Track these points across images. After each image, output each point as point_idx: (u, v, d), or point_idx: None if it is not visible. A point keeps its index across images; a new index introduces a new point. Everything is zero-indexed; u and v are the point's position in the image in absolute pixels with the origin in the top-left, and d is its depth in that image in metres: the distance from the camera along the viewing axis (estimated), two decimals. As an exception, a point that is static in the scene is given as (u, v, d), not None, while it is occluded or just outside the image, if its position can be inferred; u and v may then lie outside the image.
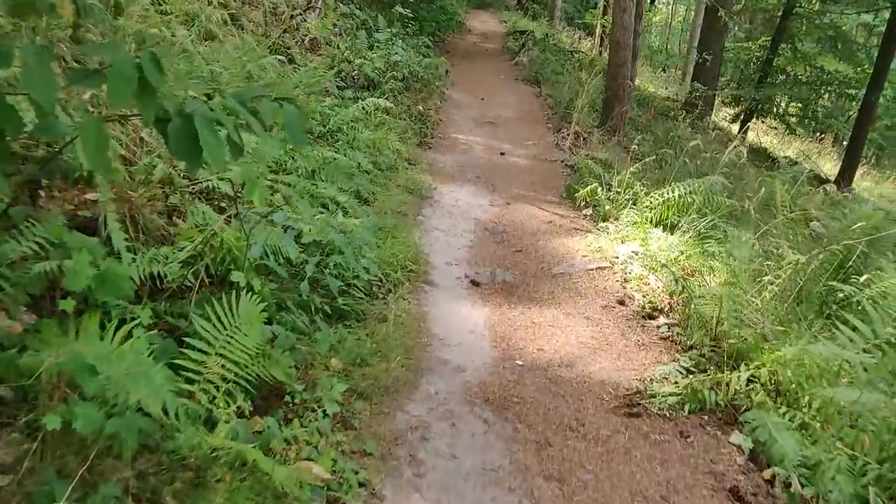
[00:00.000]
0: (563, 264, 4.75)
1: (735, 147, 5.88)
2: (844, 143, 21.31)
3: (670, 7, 32.44)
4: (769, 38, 15.83)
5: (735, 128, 18.28)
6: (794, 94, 17.17)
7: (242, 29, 7.61)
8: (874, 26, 21.58)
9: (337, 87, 7.62)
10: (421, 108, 8.59)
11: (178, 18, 6.14)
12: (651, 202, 5.33)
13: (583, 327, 3.91)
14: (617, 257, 4.85)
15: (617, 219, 5.52)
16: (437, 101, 9.43)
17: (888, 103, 20.93)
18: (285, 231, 3.72)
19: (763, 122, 18.91)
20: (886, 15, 15.93)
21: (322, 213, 4.50)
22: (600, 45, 21.60)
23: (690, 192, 5.13)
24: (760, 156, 15.56)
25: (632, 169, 6.29)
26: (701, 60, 13.23)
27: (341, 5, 10.54)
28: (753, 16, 18.80)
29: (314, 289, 3.50)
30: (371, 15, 11.21)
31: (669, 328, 3.90)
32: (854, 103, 18.04)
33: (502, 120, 9.10)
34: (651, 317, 4.08)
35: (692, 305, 3.82)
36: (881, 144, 21.39)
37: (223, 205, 3.70)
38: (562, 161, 7.49)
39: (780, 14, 15.58)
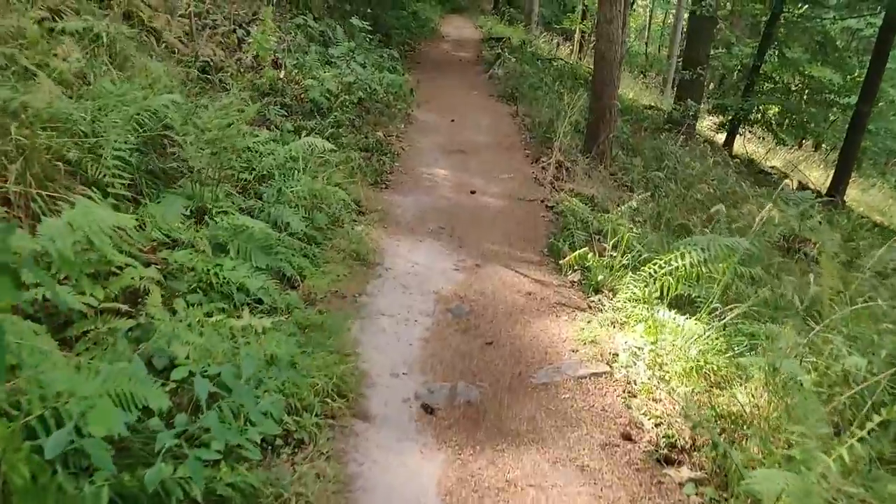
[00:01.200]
0: (547, 368, 3.56)
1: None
2: (832, 151, 20.46)
3: (648, 11, 31.46)
4: (756, 43, 14.80)
5: (720, 137, 17.33)
6: (783, 104, 16.20)
7: (168, 48, 6.35)
8: (857, 30, 20.71)
9: (281, 115, 6.37)
10: (380, 134, 7.36)
11: (74, 37, 4.88)
12: (655, 269, 4.15)
13: (576, 486, 2.73)
14: (616, 354, 3.67)
15: (613, 291, 4.35)
16: (401, 124, 8.20)
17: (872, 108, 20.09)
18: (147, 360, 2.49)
19: (750, 131, 17.99)
20: (877, 21, 15.02)
21: (222, 310, 3.28)
22: (580, 52, 20.59)
23: (705, 261, 3.96)
24: (747, 167, 14.55)
25: (624, 207, 5.14)
26: (688, 77, 12.13)
27: (295, 17, 9.28)
28: (738, 21, 17.80)
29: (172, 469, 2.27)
30: (330, 26, 9.95)
31: (698, 488, 2.72)
32: (837, 110, 17.15)
33: (474, 147, 7.90)
34: (669, 461, 2.91)
35: (729, 461, 2.66)
36: (871, 150, 20.52)
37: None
38: (542, 201, 6.31)
39: (766, 19, 14.58)
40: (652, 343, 3.63)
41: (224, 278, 3.45)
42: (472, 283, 4.49)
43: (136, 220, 3.57)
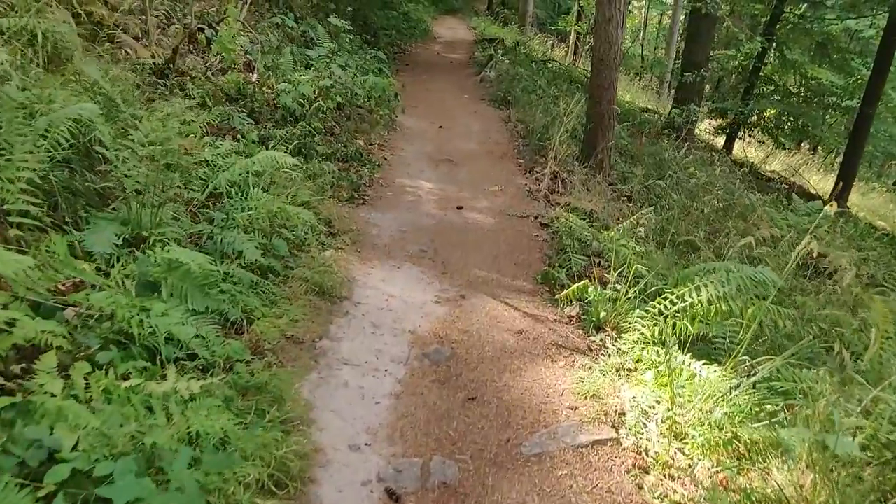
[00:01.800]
0: (541, 432, 2.94)
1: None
2: (830, 154, 19.92)
3: (644, 11, 30.88)
4: (759, 44, 14.22)
5: (719, 141, 16.80)
6: (783, 106, 15.63)
7: (123, 49, 5.70)
8: (857, 31, 20.16)
9: (248, 122, 5.73)
10: (360, 143, 6.73)
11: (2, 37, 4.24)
12: (666, 305, 3.53)
13: None
14: (623, 414, 3.05)
15: (617, 330, 3.73)
16: (384, 132, 7.57)
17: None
18: None
19: (749, 135, 17.47)
20: (880, 22, 14.47)
21: (142, 370, 2.64)
22: (574, 54, 20.00)
23: (725, 297, 3.34)
24: (748, 173, 13.96)
25: (626, 224, 4.54)
26: (691, 79, 11.53)
27: (274, 16, 8.64)
28: (738, 21, 17.23)
29: None
30: (311, 26, 9.31)
31: None
32: (837, 113, 16.62)
33: (463, 156, 7.27)
34: (694, 567, 2.29)
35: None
36: (870, 153, 19.97)
37: None
38: (536, 217, 5.69)
39: (766, 19, 14.00)
40: (666, 401, 3.01)
41: (150, 327, 2.80)
42: (455, 319, 3.87)
43: (50, 252, 2.96)
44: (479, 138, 8.05)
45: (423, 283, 4.29)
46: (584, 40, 19.83)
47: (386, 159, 6.75)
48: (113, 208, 3.62)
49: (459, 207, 5.72)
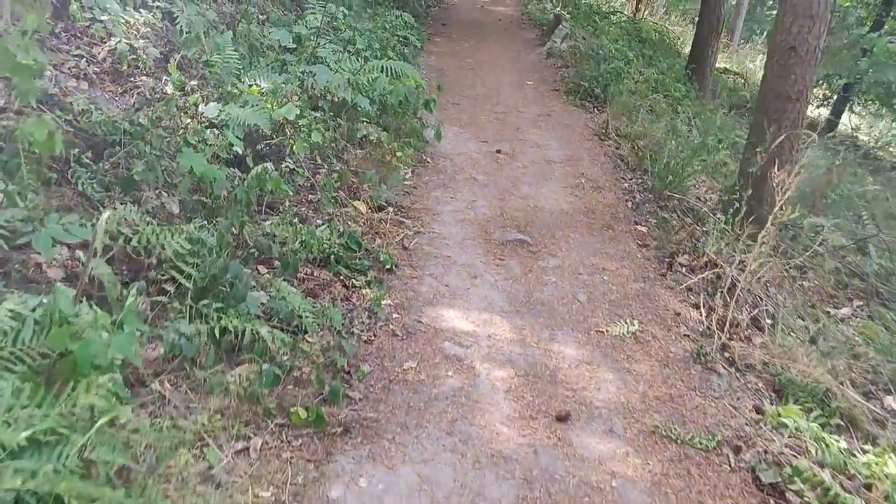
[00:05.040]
0: None
1: None
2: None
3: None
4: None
5: (822, 113, 13.14)
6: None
7: None
8: None
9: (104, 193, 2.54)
10: (356, 215, 3.48)
11: None
12: None
13: None
14: None
15: None
16: (408, 171, 4.29)
17: None
18: None
19: (862, 105, 13.73)
20: None
21: None
22: (638, 2, 15.99)
23: None
24: (862, 156, 10.22)
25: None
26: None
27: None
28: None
29: None
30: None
31: None
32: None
33: (545, 223, 3.96)
34: None
35: None
36: None
37: None
38: (736, 451, 2.44)
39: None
40: None
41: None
42: None
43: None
44: (564, 175, 4.69)
45: None
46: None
47: (406, 246, 3.49)
48: None
49: (562, 418, 2.49)
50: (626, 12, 14.12)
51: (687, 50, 12.11)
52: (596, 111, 6.04)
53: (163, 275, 2.55)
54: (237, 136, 3.23)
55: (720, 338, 3.04)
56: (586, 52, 7.36)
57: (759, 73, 13.22)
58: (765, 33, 19.87)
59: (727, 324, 3.11)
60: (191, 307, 2.45)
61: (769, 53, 4.34)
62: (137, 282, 2.46)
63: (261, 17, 5.34)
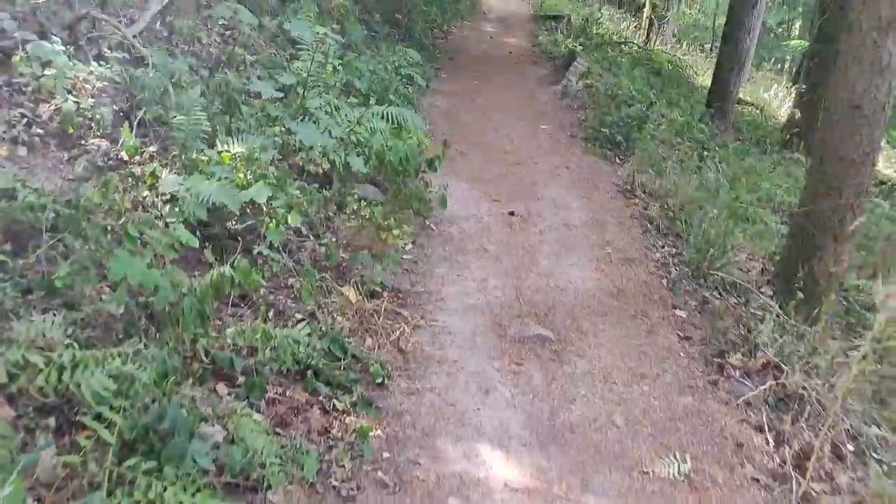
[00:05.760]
0: None
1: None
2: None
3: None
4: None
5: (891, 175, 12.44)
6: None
7: None
8: None
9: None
10: (351, 293, 2.85)
11: None
12: None
13: None
14: None
15: None
16: (411, 239, 3.67)
17: None
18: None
19: None
20: None
21: None
22: (649, 31, 15.54)
23: None
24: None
25: None
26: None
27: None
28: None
29: None
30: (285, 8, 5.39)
31: None
32: None
33: (569, 312, 3.31)
34: None
35: None
36: None
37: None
38: None
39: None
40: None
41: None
42: None
43: None
44: (588, 243, 4.06)
45: None
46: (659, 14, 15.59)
47: (402, 351, 2.85)
48: None
49: None
50: (636, 41, 13.69)
51: (701, 80, 11.57)
52: (618, 161, 5.43)
53: (79, 421, 1.94)
54: (198, 218, 2.63)
55: (799, 483, 2.38)
56: (605, 91, 6.79)
57: (774, 104, 12.64)
58: (772, 59, 19.25)
59: (809, 460, 2.45)
60: (110, 472, 1.82)
61: (827, 111, 3.73)
62: (44, 436, 1.85)
63: (249, 57, 4.78)
